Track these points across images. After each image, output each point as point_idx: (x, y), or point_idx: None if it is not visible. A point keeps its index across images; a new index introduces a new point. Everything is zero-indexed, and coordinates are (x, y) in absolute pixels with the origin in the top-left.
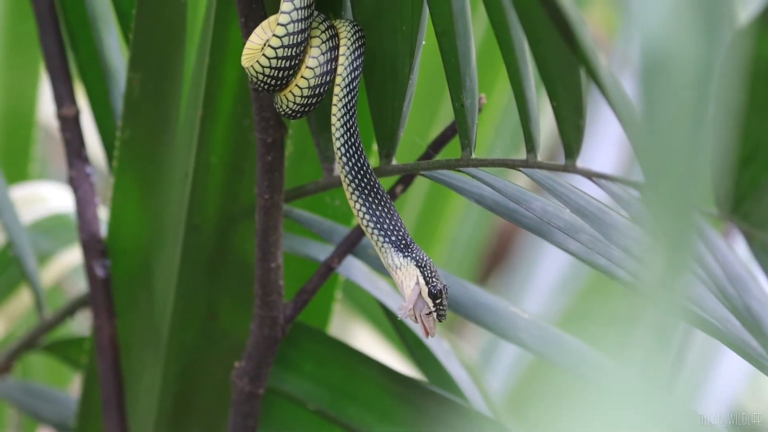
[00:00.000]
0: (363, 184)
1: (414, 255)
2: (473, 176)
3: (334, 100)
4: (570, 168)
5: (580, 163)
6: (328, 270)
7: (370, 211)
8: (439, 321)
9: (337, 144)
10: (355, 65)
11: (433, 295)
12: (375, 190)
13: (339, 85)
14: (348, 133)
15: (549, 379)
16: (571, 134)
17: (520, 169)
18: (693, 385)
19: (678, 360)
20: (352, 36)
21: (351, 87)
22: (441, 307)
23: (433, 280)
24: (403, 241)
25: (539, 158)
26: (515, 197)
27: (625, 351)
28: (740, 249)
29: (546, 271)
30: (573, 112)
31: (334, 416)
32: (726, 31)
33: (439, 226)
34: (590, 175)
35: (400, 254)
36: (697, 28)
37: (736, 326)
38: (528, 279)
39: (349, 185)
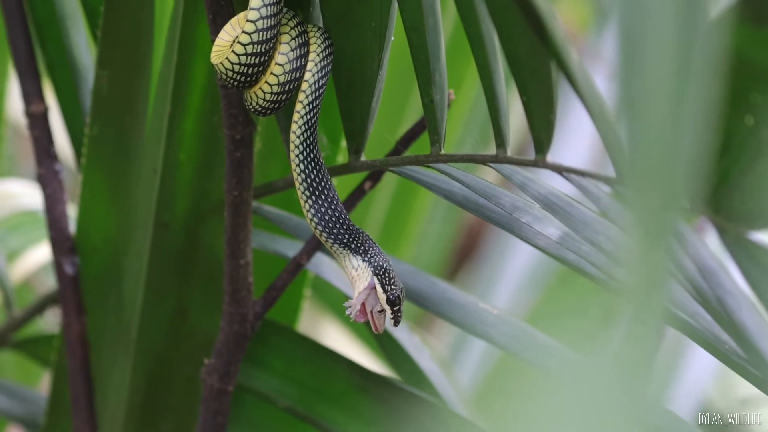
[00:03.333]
0: (320, 201)
1: (372, 260)
2: (442, 172)
3: (296, 116)
4: (540, 163)
5: (551, 157)
6: (297, 266)
7: (328, 227)
8: (395, 326)
9: (296, 161)
10: (320, 84)
11: (391, 302)
12: (332, 205)
13: (302, 102)
14: (307, 150)
15: (518, 375)
16: (542, 129)
17: (490, 164)
18: (662, 382)
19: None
20: (321, 51)
21: (315, 104)
22: (398, 314)
23: (392, 287)
24: (362, 248)
25: (509, 153)
26: (484, 193)
27: (596, 347)
28: (711, 242)
29: (515, 267)
30: (543, 107)
31: (304, 413)
32: (702, 21)
33: (407, 222)
34: (560, 169)
35: (359, 257)
36: (672, 18)
37: (707, 321)
38: (497, 275)
39: (306, 201)
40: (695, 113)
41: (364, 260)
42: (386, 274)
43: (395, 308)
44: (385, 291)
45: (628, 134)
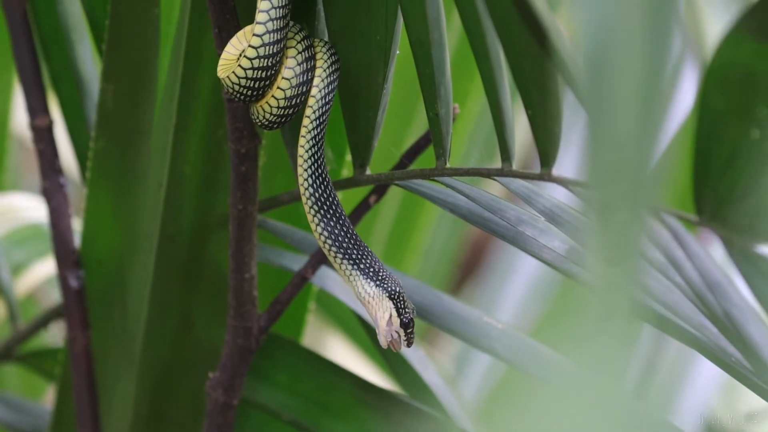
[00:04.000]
0: (328, 217)
1: (386, 285)
2: (448, 185)
3: (303, 131)
4: (546, 176)
5: (556, 171)
6: (302, 280)
7: (338, 242)
8: (408, 347)
9: (303, 175)
10: (327, 98)
11: (404, 325)
12: (341, 220)
13: (309, 116)
14: (314, 165)
15: (522, 388)
16: (547, 142)
17: (495, 178)
18: (666, 394)
19: (651, 368)
20: (328, 66)
21: (322, 119)
22: (411, 335)
23: (405, 310)
24: (372, 268)
25: (514, 167)
26: (489, 206)
27: (589, 356)
28: (717, 255)
29: (520, 281)
30: (549, 120)
31: (308, 427)
32: (674, 27)
33: (412, 236)
34: (566, 183)
35: (372, 283)
36: (639, 22)
37: (713, 333)
38: (501, 288)
39: (314, 217)
40: (664, 116)
41: (377, 286)
42: (400, 298)
43: (408, 330)
44: (399, 315)
45: (593, 135)
